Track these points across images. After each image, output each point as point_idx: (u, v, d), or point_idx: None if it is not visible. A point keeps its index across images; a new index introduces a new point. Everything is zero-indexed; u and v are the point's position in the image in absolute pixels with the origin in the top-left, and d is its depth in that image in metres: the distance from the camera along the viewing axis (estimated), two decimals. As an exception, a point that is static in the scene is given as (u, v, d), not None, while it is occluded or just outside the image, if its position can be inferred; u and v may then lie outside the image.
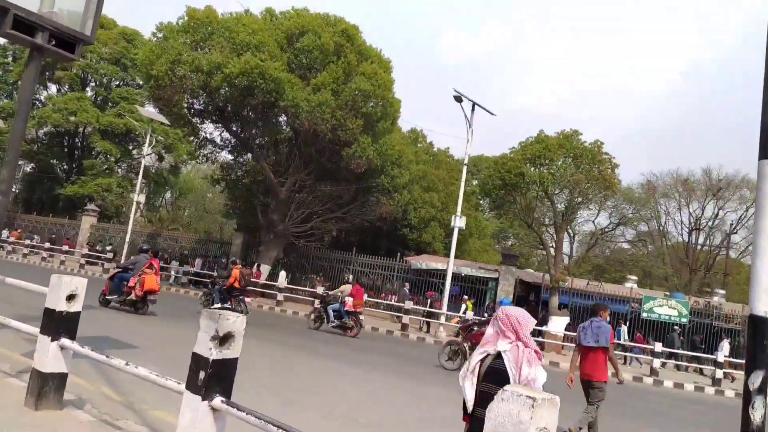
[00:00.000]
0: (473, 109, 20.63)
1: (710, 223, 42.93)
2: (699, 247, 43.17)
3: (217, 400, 3.44)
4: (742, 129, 73.76)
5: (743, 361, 13.74)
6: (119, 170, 40.78)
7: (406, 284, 20.79)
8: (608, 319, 7.29)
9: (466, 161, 20.72)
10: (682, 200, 44.65)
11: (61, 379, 4.68)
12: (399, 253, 24.27)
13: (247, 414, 3.23)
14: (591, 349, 6.94)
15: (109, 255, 27.41)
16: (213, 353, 3.49)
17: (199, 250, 28.50)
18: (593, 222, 44.51)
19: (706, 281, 40.16)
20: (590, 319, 7.15)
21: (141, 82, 40.61)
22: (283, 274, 22.91)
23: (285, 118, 24.04)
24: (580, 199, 21.46)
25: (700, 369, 18.59)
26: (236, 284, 14.52)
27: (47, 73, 39.54)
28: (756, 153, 3.07)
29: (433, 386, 9.58)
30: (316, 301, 17.44)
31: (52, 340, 4.59)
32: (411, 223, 27.30)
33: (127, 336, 9.56)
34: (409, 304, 18.82)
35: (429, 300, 20.51)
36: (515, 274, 21.67)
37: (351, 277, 16.68)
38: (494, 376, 3.19)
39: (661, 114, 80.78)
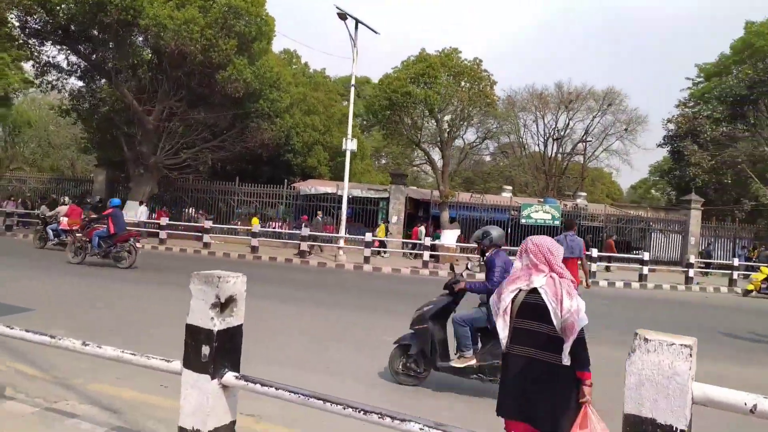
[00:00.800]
0: (357, 27, 19.73)
1: (563, 133, 46.57)
2: (554, 155, 46.92)
3: (230, 376, 2.95)
4: (589, 44, 79.75)
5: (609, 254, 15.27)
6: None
7: (319, 212, 20.23)
8: (576, 231, 8.20)
9: (353, 82, 19.99)
10: (538, 113, 47.75)
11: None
12: (285, 180, 23.44)
13: (276, 389, 2.79)
14: (566, 260, 7.66)
15: None
16: (216, 323, 2.95)
17: (54, 191, 25.18)
18: (462, 138, 46.33)
19: (560, 185, 44.10)
20: (564, 233, 7.98)
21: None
22: (142, 209, 21.06)
23: (143, 38, 21.34)
24: (463, 117, 21.94)
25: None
26: None
27: None
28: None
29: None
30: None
31: (-36, 325, 3.67)
32: (294, 148, 26.35)
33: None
34: (306, 231, 18.44)
35: (303, 224, 20.26)
36: (404, 193, 21.99)
37: (67, 199, 17.71)
38: (531, 312, 3.03)
39: (518, 35, 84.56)
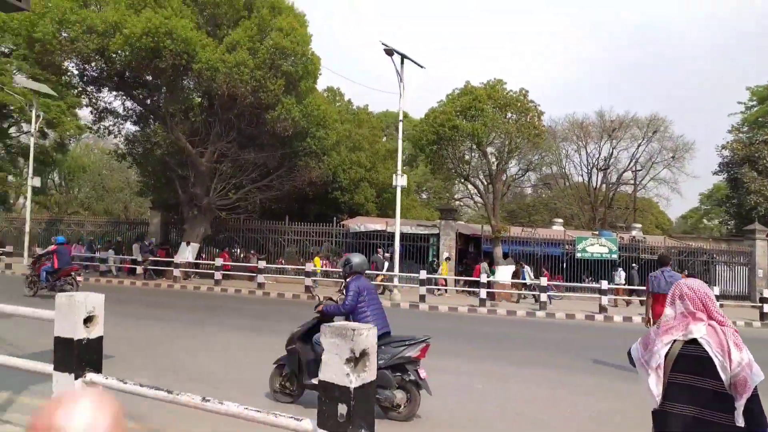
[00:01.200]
0: (402, 63, 19.88)
1: (607, 162, 45.68)
2: (599, 185, 45.94)
3: (369, 439, 2.70)
4: (632, 71, 78.99)
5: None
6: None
7: (379, 249, 20.00)
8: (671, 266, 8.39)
9: (401, 117, 20.07)
10: (579, 142, 47.13)
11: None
12: (334, 218, 23.47)
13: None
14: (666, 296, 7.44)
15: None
16: (352, 380, 2.72)
17: (112, 234, 25.84)
18: (505, 170, 45.90)
19: (608, 217, 42.97)
20: (661, 269, 8.00)
21: (6, 50, 35.52)
22: (189, 249, 21.18)
23: (195, 82, 21.97)
24: (510, 149, 21.70)
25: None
26: None
27: None
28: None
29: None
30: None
31: (76, 378, 3.56)
32: (342, 186, 26.47)
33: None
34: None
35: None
36: (455, 228, 21.68)
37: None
38: (691, 365, 2.69)
39: (555, 64, 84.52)
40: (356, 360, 2.77)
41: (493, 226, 20.30)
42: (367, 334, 2.84)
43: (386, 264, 20.13)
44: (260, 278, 18.86)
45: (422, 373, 5.61)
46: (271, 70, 20.22)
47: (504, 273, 18.66)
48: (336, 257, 23.08)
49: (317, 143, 23.57)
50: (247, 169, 22.50)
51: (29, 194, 23.25)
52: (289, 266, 21.52)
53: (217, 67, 19.21)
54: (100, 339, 3.70)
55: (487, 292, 16.84)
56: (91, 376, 3.57)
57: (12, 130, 36.27)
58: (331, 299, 6.11)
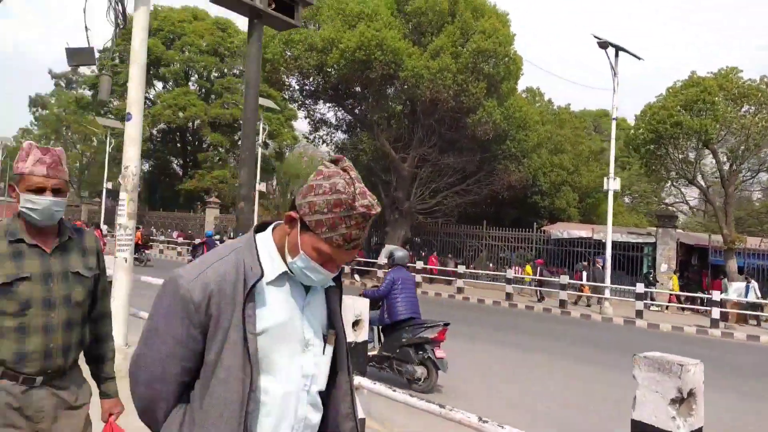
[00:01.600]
0: (617, 55, 18.36)
1: None
2: None
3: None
4: None
5: None
6: (231, 161, 41.43)
7: (598, 259, 18.66)
8: None
9: (614, 115, 18.55)
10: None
11: (360, 426, 3.71)
12: (534, 223, 22.50)
13: None
14: None
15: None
16: (680, 425, 2.27)
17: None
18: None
19: None
20: None
21: (237, 71, 40.99)
22: (384, 251, 21.68)
23: (399, 89, 22.77)
24: (748, 146, 18.73)
25: None
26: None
27: (151, 71, 40.63)
28: None
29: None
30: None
31: (344, 381, 3.61)
32: (542, 189, 25.34)
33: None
34: (564, 279, 17.14)
35: (539, 268, 18.87)
36: (675, 237, 19.34)
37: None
38: None
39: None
40: (682, 400, 2.32)
41: (725, 235, 17.63)
42: (694, 371, 2.36)
43: (584, 273, 18.75)
44: (459, 282, 18.78)
45: (438, 353, 6.30)
46: (473, 74, 20.15)
47: (737, 290, 16.07)
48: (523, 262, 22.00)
49: (517, 146, 22.92)
50: (446, 174, 22.68)
51: (256, 198, 26.19)
52: (487, 272, 21.13)
53: (422, 74, 19.63)
54: (366, 343, 3.74)
55: (721, 312, 14.60)
56: (359, 379, 3.60)
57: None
58: (376, 286, 7.35)
